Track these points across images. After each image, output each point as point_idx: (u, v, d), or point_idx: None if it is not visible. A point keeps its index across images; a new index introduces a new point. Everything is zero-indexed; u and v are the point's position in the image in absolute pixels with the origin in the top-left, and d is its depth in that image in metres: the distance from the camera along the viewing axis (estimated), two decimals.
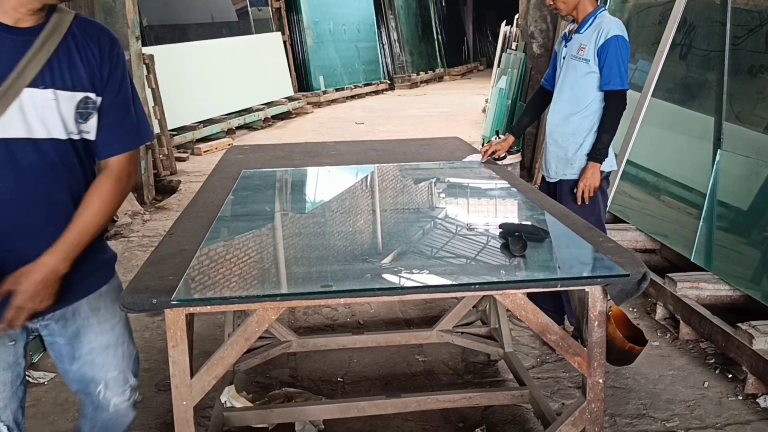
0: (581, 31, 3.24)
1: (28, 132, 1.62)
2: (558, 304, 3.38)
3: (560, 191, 3.35)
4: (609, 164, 3.29)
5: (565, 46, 3.34)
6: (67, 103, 1.65)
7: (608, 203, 3.42)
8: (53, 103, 1.62)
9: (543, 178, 3.53)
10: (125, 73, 1.78)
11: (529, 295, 2.14)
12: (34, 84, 1.59)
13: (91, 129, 1.72)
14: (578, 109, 3.24)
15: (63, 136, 1.67)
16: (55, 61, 1.62)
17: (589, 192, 3.21)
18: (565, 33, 3.41)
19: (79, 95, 1.67)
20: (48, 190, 1.68)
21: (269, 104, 10.86)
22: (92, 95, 1.69)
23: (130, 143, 1.80)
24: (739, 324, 3.10)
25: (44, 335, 1.85)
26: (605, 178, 3.29)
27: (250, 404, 2.79)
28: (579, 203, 3.22)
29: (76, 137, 1.70)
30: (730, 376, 3.17)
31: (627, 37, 3.17)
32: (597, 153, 3.20)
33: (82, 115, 1.68)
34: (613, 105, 3.16)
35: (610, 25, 3.15)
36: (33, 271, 1.64)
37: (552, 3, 3.30)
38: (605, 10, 3.27)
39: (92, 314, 1.85)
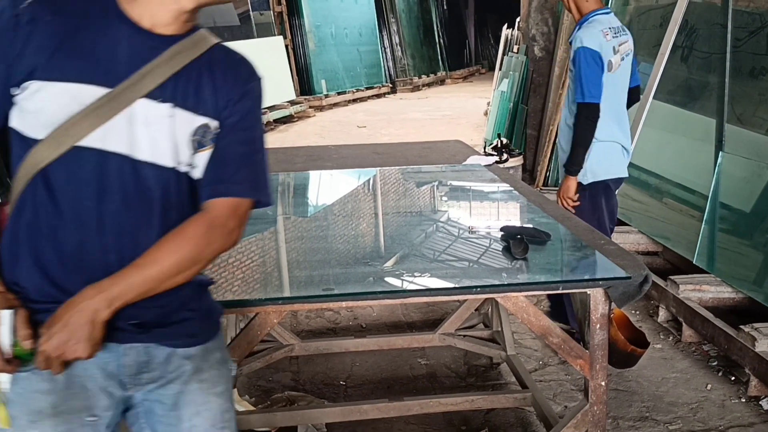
0: (570, 40, 3.25)
1: (130, 149, 1.30)
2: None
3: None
4: (608, 172, 3.24)
5: None
6: (184, 125, 1.34)
7: (613, 211, 3.34)
8: (168, 120, 1.33)
9: None
10: (257, 113, 1.46)
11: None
12: (152, 95, 1.31)
13: (200, 164, 1.37)
14: (572, 118, 3.23)
15: (169, 163, 1.34)
16: (182, 78, 1.34)
17: (566, 203, 3.20)
18: None
19: (199, 120, 1.36)
20: (137, 224, 1.33)
21: (271, 108, 10.88)
22: (213, 123, 1.37)
23: (241, 190, 1.41)
24: (741, 326, 3.09)
25: (141, 402, 1.43)
26: (606, 186, 3.25)
27: (252, 408, 2.79)
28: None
29: (181, 169, 1.36)
30: (732, 378, 3.16)
31: (596, 47, 3.09)
32: (568, 165, 3.21)
33: (196, 143, 1.36)
34: (579, 118, 3.13)
35: (579, 37, 3.13)
36: (70, 309, 1.26)
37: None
38: (597, 15, 3.19)
39: (194, 376, 1.44)
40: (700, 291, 3.60)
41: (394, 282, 2.06)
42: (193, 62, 1.35)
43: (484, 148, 6.91)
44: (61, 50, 1.26)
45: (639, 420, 2.84)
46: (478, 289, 2.00)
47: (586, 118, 3.11)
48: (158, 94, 1.31)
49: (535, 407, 2.73)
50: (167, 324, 1.39)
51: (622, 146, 3.27)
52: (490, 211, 2.93)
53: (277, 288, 2.08)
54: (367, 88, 14.62)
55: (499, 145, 6.23)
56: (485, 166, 3.56)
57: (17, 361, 1.26)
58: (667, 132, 4.65)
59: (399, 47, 16.37)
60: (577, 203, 3.22)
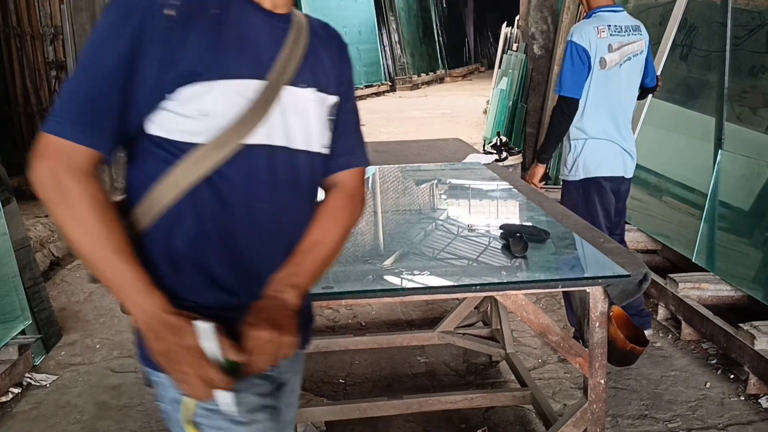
0: None
1: (287, 140, 1.25)
2: None
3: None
4: (600, 169, 3.21)
5: None
6: (323, 107, 1.33)
7: (608, 209, 3.30)
8: (312, 105, 1.30)
9: None
10: (354, 79, 1.47)
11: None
12: (294, 81, 1.25)
13: (328, 141, 1.37)
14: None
15: (317, 148, 1.32)
16: (309, 59, 1.30)
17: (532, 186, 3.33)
18: None
19: (331, 99, 1.35)
20: (297, 216, 1.31)
21: None
22: (337, 99, 1.37)
23: (363, 159, 1.45)
24: (740, 324, 3.10)
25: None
26: (598, 184, 3.21)
27: None
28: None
29: (324, 151, 1.35)
30: (731, 376, 3.16)
31: (584, 43, 3.08)
32: (539, 152, 3.33)
33: (330, 123, 1.36)
34: (555, 110, 3.18)
35: (571, 31, 3.16)
36: (271, 308, 1.20)
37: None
38: (601, 12, 3.18)
39: (290, 383, 1.43)
40: (700, 289, 3.60)
41: (394, 280, 2.06)
42: (309, 41, 1.31)
43: (484, 147, 6.91)
44: (215, 47, 1.18)
45: (638, 418, 2.85)
46: (478, 287, 2.00)
47: (561, 111, 3.14)
48: (300, 80, 1.27)
49: (534, 405, 2.74)
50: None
51: (620, 146, 3.23)
52: (489, 210, 2.92)
53: None
54: (367, 87, 14.62)
55: (498, 144, 6.23)
56: (484, 164, 3.56)
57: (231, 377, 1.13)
58: (666, 130, 4.65)
59: (398, 46, 16.37)
60: (539, 189, 3.30)
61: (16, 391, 3.08)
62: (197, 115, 1.16)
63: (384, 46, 15.85)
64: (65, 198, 1.13)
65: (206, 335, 1.12)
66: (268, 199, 1.24)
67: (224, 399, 1.13)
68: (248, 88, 1.19)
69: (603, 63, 3.11)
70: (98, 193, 1.15)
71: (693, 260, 3.92)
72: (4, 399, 3.01)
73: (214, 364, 1.11)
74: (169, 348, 1.12)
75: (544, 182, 3.33)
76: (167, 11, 1.15)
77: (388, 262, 2.22)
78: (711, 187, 3.93)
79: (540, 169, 3.30)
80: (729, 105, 3.96)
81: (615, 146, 3.21)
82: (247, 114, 1.19)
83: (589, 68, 3.09)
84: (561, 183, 3.38)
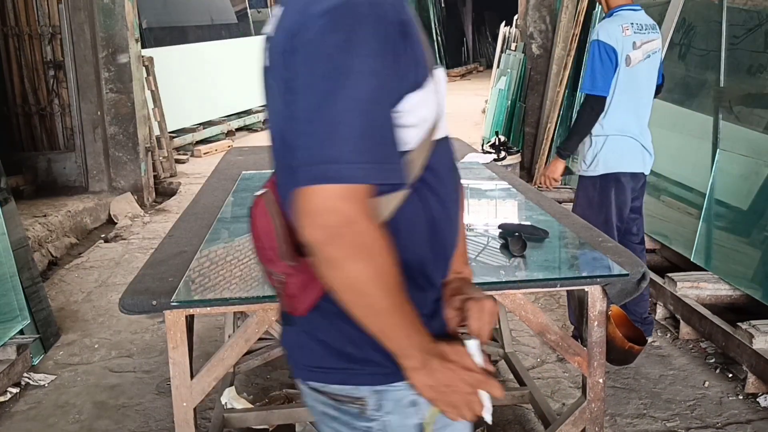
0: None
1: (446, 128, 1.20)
2: None
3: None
4: (620, 165, 3.20)
5: None
6: None
7: (622, 207, 3.26)
8: (442, 85, 1.18)
9: None
10: None
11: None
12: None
13: None
14: None
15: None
16: None
17: (546, 182, 3.36)
18: None
19: None
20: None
21: None
22: None
23: None
24: (739, 323, 3.10)
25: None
26: (617, 179, 3.20)
27: (250, 405, 2.79)
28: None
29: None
30: (730, 375, 3.17)
31: (611, 41, 3.07)
32: (561, 148, 3.30)
33: None
34: (584, 108, 3.18)
35: (596, 30, 3.17)
36: (470, 282, 1.27)
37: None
38: (621, 10, 3.18)
39: None
40: (698, 288, 3.60)
41: None
42: None
43: (482, 146, 6.91)
44: (420, 47, 1.09)
45: (637, 417, 2.85)
46: (476, 286, 2.00)
47: (591, 109, 3.14)
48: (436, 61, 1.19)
49: (533, 404, 2.74)
50: None
51: (640, 143, 3.22)
52: (487, 209, 2.92)
53: None
54: None
55: (496, 143, 6.23)
56: (483, 163, 3.56)
57: None
58: (664, 129, 4.65)
59: None
60: (557, 184, 3.40)
61: (15, 390, 3.08)
62: (419, 122, 1.09)
63: None
64: (369, 250, 1.01)
65: (475, 352, 1.12)
66: (454, 188, 1.22)
67: (488, 405, 1.12)
68: (440, 83, 1.14)
69: (628, 60, 3.10)
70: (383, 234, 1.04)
71: (691, 259, 3.92)
72: (2, 399, 3.01)
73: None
74: (447, 377, 1.07)
75: (562, 177, 3.35)
76: (399, 27, 1.04)
77: None
78: (709, 186, 3.93)
79: (561, 165, 3.30)
80: (727, 104, 3.96)
81: (636, 143, 3.20)
82: (439, 108, 1.14)
83: (616, 66, 3.10)
84: (577, 179, 3.38)
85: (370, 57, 0.98)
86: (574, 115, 3.28)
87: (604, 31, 3.11)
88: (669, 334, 3.61)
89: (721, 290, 3.62)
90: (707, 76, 4.22)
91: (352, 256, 0.99)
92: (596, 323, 2.10)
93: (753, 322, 3.08)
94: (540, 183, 3.44)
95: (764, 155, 3.57)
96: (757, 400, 2.95)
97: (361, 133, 0.98)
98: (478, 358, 1.11)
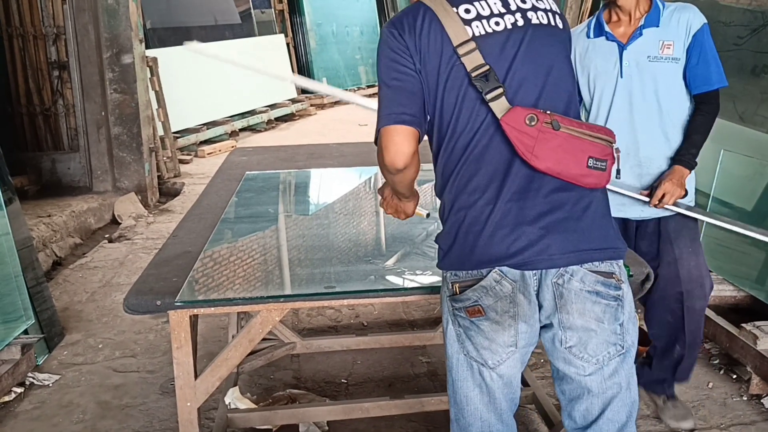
0: (658, 24, 2.53)
1: None
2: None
3: (660, 231, 2.66)
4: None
5: (623, 47, 2.55)
6: None
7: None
8: None
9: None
10: None
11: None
12: None
13: None
14: (677, 122, 2.61)
15: None
16: None
17: (670, 200, 2.50)
18: (601, 28, 2.60)
19: None
20: None
21: (272, 106, 10.87)
22: None
23: None
24: (743, 324, 3.09)
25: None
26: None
27: (254, 405, 2.79)
28: (655, 205, 2.54)
29: None
30: (734, 376, 3.16)
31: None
32: (692, 157, 2.56)
33: None
34: (715, 104, 2.60)
35: (690, 11, 2.58)
36: None
37: None
38: None
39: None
40: None
41: (396, 280, 2.06)
42: None
43: None
44: None
45: (641, 418, 2.84)
46: None
47: (719, 104, 2.61)
48: None
49: (536, 405, 2.74)
50: None
51: None
52: None
53: (278, 286, 2.08)
54: (368, 87, 14.60)
55: None
56: None
57: None
58: None
59: None
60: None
61: (19, 390, 3.09)
62: None
63: None
64: None
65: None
66: None
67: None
68: None
69: None
70: None
71: None
72: (6, 398, 3.02)
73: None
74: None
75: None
76: None
77: (390, 262, 2.22)
78: (713, 186, 3.93)
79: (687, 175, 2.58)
80: (731, 105, 3.95)
81: None
82: None
83: None
84: (643, 223, 2.73)
85: None
86: (699, 117, 2.60)
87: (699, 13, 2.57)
88: None
89: (725, 291, 3.62)
90: None
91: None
92: None
93: (757, 323, 3.08)
94: (661, 200, 2.52)
95: None
96: (762, 401, 2.95)
97: None
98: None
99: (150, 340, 3.60)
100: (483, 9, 1.61)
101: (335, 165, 3.61)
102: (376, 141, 1.65)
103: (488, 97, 1.56)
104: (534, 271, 1.59)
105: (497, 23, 1.60)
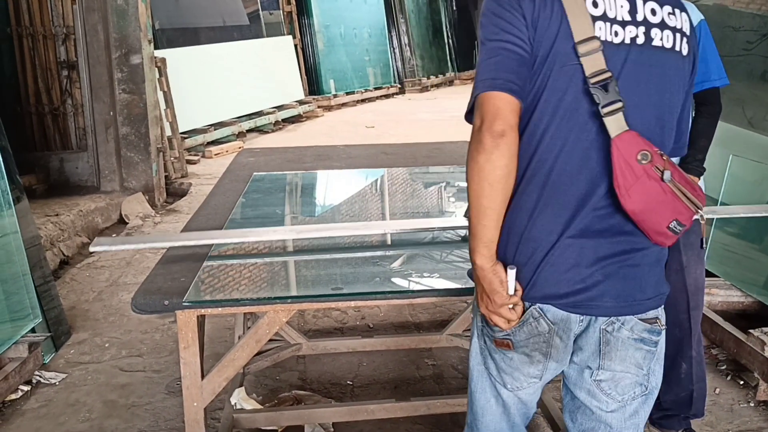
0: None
1: None
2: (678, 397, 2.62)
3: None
4: None
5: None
6: None
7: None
8: None
9: None
10: None
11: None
12: None
13: None
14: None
15: None
16: None
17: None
18: None
19: None
20: None
21: (280, 107, 10.88)
22: None
23: None
24: (750, 330, 3.08)
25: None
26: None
27: (259, 406, 2.80)
28: None
29: None
30: (741, 382, 3.15)
31: None
32: (699, 163, 2.52)
33: None
34: (718, 105, 2.63)
35: (698, 16, 2.52)
36: None
37: None
38: None
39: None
40: (710, 294, 3.58)
41: (402, 282, 2.06)
42: None
43: None
44: None
45: (647, 424, 2.83)
46: None
47: (721, 105, 2.60)
48: None
49: (542, 409, 2.73)
50: None
51: None
52: None
53: (285, 287, 2.09)
54: (376, 89, 14.61)
55: None
56: None
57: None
58: None
59: (408, 48, 16.36)
60: None
61: (26, 388, 3.10)
62: None
63: (393, 48, 15.84)
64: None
65: (511, 280, 1.44)
66: None
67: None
68: None
69: None
70: None
71: None
72: (13, 396, 3.03)
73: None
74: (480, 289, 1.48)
75: None
76: None
77: (396, 264, 2.22)
78: (722, 192, 3.91)
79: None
80: (740, 110, 3.94)
81: None
82: None
83: None
84: None
85: None
86: (702, 119, 2.64)
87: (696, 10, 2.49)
88: None
89: (733, 297, 3.60)
90: None
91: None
92: None
93: (765, 329, 3.06)
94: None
95: None
96: None
97: None
98: (511, 285, 1.42)
99: (156, 340, 3.61)
100: (610, 8, 1.38)
101: (342, 167, 3.61)
102: (470, 114, 1.43)
103: (605, 110, 1.34)
104: (582, 317, 1.47)
105: (616, 33, 1.38)
